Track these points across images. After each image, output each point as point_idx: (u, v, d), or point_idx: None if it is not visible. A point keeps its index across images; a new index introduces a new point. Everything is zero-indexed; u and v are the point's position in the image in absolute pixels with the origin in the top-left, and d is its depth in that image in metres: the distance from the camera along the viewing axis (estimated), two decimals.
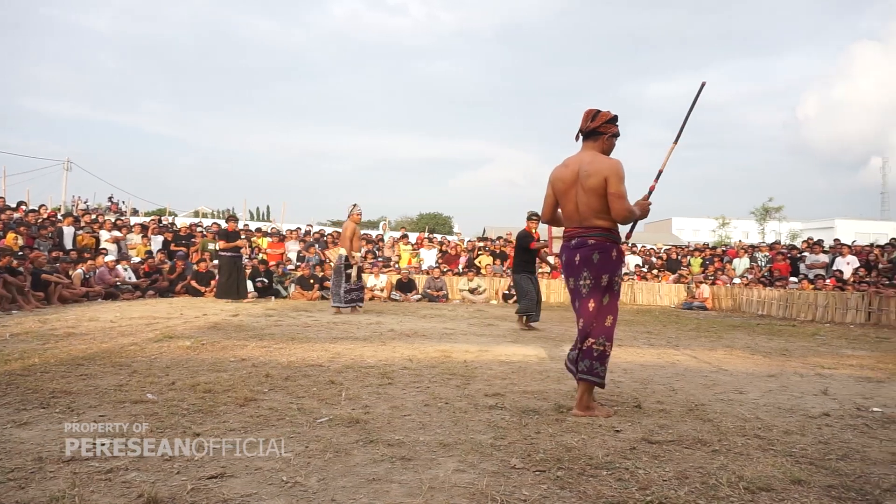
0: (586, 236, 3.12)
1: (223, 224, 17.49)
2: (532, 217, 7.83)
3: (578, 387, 3.17)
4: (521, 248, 7.82)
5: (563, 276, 3.31)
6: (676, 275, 15.18)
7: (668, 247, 18.60)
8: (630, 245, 17.64)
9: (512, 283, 8.07)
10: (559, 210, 3.31)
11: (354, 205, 9.17)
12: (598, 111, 3.18)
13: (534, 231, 7.85)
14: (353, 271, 8.97)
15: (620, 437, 2.72)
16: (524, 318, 7.68)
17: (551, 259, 8.77)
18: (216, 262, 11.17)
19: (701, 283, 14.07)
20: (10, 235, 10.66)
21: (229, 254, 10.58)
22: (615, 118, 3.20)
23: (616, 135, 3.22)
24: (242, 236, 11.78)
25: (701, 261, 15.77)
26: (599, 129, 3.15)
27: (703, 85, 3.51)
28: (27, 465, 2.16)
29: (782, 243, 18.11)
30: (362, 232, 18.17)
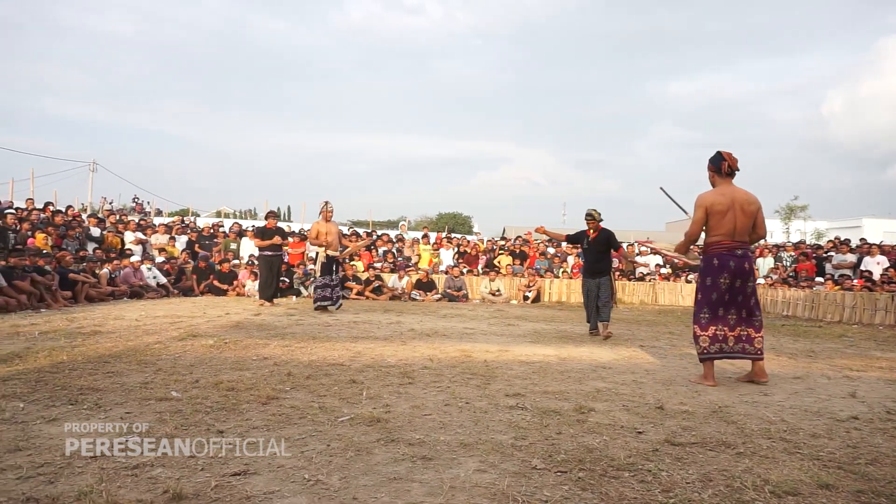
0: (746, 249, 4.12)
1: (245, 224, 17.71)
2: (592, 217, 7.03)
3: (758, 365, 4.17)
4: (610, 249, 7.05)
5: (713, 278, 4.11)
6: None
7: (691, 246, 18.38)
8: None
9: (604, 286, 6.91)
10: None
11: (325, 202, 9.12)
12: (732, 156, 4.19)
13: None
14: (317, 268, 9.08)
15: (643, 438, 2.70)
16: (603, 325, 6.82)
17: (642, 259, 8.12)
18: (256, 262, 11.05)
19: None
20: (40, 236, 10.89)
21: (269, 253, 10.02)
22: None
23: None
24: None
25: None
26: (736, 170, 4.18)
27: (661, 189, 5.08)
28: (56, 461, 2.21)
29: (807, 243, 17.80)
30: (381, 231, 18.12)
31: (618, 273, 14.01)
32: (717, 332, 4.10)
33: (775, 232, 44.76)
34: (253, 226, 16.13)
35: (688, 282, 14.38)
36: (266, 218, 10.54)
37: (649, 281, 14.77)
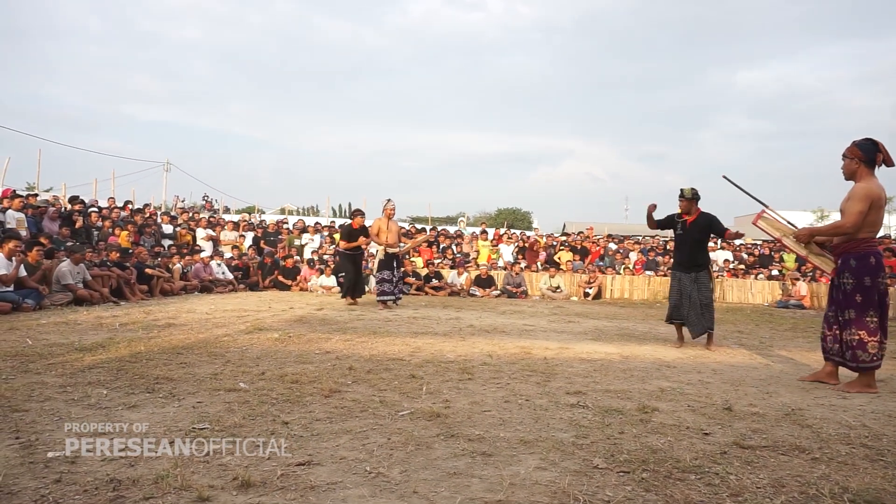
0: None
1: (308, 220, 18.17)
2: (683, 196, 5.80)
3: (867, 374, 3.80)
4: (709, 236, 5.97)
5: (873, 277, 3.81)
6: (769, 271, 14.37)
7: (760, 241, 17.63)
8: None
9: (704, 283, 5.77)
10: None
11: (388, 199, 9.20)
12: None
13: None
14: (374, 264, 9.15)
15: (710, 440, 2.61)
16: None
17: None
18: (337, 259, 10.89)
19: (797, 279, 13.24)
20: (123, 233, 11.53)
21: (351, 252, 9.80)
22: None
23: None
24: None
25: (795, 256, 14.82)
26: (891, 164, 3.87)
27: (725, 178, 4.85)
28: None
29: (893, 238, 16.72)
30: (443, 228, 18.24)
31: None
32: (883, 340, 3.81)
33: None
34: (338, 224, 16.46)
35: (814, 280, 13.48)
36: (352, 216, 10.09)
37: (716, 277, 14.24)
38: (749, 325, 8.14)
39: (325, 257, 13.57)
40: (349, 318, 7.29)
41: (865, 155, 3.82)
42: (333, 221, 18.19)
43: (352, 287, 9.63)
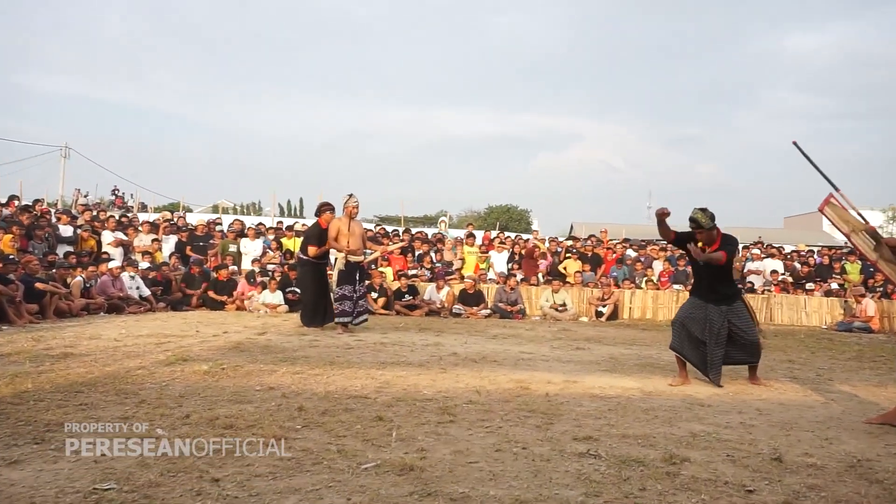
0: None
1: (248, 221, 18.08)
2: (697, 223, 5.54)
3: None
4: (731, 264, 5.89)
5: None
6: (829, 285, 14.58)
7: (817, 248, 17.89)
8: (766, 245, 17.08)
9: (740, 314, 5.61)
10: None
11: (350, 195, 9.12)
12: None
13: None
14: (334, 276, 9.07)
15: (754, 498, 2.63)
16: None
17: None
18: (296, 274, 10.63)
19: (863, 296, 13.44)
20: (6, 237, 11.32)
21: (318, 261, 9.60)
22: None
23: None
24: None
25: (861, 266, 15.06)
26: None
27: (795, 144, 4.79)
28: None
29: None
30: (419, 230, 18.21)
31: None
32: None
33: None
34: (287, 226, 16.35)
35: (885, 296, 13.64)
36: (319, 212, 9.57)
37: (763, 293, 14.41)
38: (803, 353, 8.22)
39: (270, 268, 13.47)
40: (300, 344, 7.25)
41: None
42: (281, 222, 18.05)
43: (315, 310, 9.39)
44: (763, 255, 15.93)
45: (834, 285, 14.87)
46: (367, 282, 10.25)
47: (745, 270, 15.15)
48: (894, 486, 2.83)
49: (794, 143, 4.97)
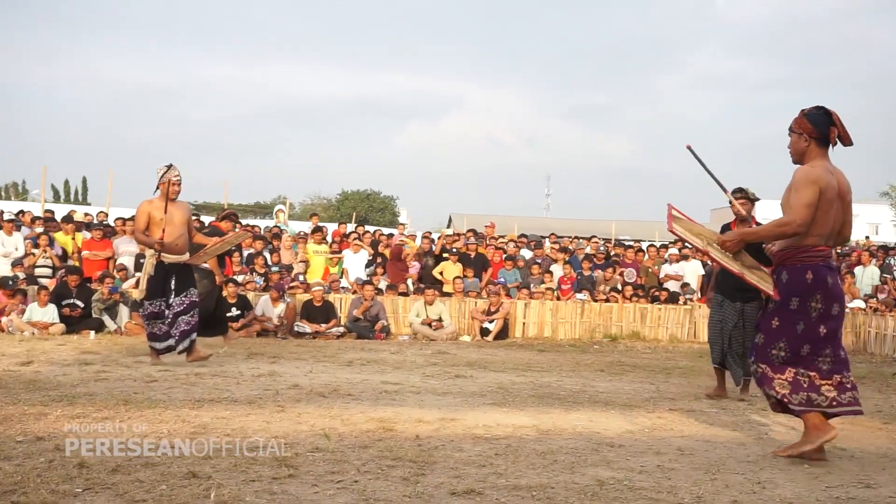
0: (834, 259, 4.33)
1: (8, 207, 17.11)
2: (746, 197, 6.69)
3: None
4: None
5: (802, 300, 4.39)
6: None
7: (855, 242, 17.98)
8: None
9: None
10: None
11: (169, 166, 8.48)
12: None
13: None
14: (142, 281, 8.55)
15: None
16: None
17: None
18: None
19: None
20: None
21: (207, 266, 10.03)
22: None
23: None
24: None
25: None
26: (848, 143, 4.46)
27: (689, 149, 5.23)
28: None
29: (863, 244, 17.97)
30: (250, 224, 17.86)
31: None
32: (801, 378, 4.42)
33: (883, 225, 45.94)
34: (83, 212, 15.56)
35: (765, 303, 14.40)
36: (222, 220, 10.39)
37: (685, 303, 15.00)
38: None
39: (40, 273, 12.93)
40: (81, 377, 6.96)
41: (815, 128, 4.38)
42: (51, 211, 17.25)
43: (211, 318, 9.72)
44: (679, 257, 16.28)
45: None
46: (192, 291, 9.30)
47: (662, 276, 15.68)
48: None
49: (689, 148, 5.39)
